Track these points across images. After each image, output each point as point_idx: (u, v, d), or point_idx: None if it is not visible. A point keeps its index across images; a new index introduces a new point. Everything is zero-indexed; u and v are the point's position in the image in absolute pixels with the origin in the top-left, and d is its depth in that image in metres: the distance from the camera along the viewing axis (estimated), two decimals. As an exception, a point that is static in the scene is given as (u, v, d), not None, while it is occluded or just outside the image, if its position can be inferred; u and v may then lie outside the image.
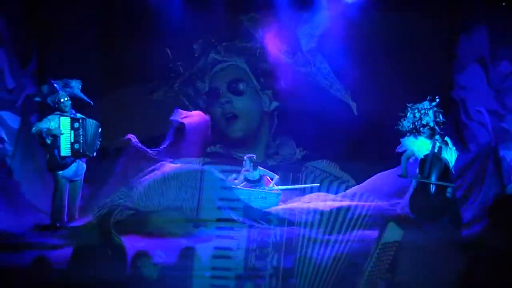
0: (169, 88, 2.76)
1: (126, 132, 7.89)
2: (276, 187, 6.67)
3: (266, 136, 2.52)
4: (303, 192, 7.04)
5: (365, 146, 8.09)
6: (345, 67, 7.56)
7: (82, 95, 7.12)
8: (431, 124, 6.52)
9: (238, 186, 6.69)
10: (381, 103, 8.00)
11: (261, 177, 6.75)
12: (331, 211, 5.54)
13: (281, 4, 7.20)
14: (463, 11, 8.26)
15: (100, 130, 7.09)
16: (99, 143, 7.12)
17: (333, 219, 5.22)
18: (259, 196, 6.37)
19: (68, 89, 7.02)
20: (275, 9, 7.28)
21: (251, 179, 6.60)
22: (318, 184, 7.12)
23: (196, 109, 2.69)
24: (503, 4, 7.68)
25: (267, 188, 6.87)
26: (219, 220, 2.04)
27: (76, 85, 7.10)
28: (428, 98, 6.61)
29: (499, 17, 7.75)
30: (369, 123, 8.14)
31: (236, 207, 2.04)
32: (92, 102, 7.22)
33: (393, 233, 2.34)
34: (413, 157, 6.62)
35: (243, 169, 6.71)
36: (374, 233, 4.24)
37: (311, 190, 7.02)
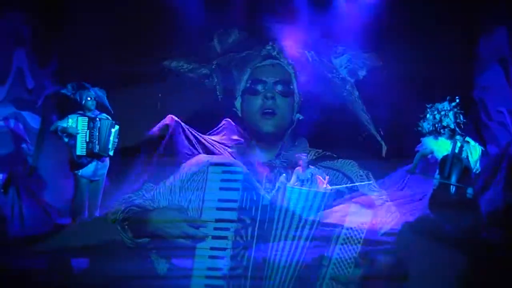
0: (194, 64, 2.73)
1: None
2: (329, 187, 6.56)
3: (286, 137, 2.54)
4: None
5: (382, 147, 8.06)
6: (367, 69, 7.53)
7: (107, 103, 7.16)
8: (452, 126, 6.47)
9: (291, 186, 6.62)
10: (401, 103, 7.96)
11: (312, 176, 6.66)
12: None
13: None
14: (483, 11, 8.20)
15: (116, 128, 7.10)
16: (116, 142, 7.14)
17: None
18: (311, 196, 6.27)
19: (97, 90, 7.08)
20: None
21: (303, 178, 6.51)
22: (371, 181, 6.96)
23: (221, 94, 2.70)
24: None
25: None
26: (218, 220, 2.06)
27: (103, 94, 7.15)
28: (447, 98, 6.57)
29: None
30: (388, 124, 8.09)
31: (233, 207, 2.06)
32: (112, 111, 7.23)
33: (356, 217, 2.31)
34: (430, 156, 6.57)
35: (296, 168, 6.63)
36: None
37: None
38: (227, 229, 2.26)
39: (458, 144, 6.33)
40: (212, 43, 2.82)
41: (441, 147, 6.44)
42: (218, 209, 2.28)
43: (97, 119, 6.98)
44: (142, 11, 8.35)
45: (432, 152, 6.51)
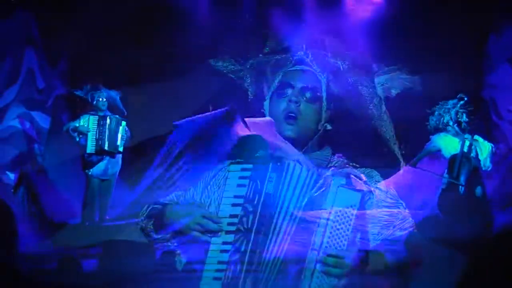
0: (237, 65, 2.74)
1: (156, 128, 7.94)
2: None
3: (310, 145, 2.54)
4: None
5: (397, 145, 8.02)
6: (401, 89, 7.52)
7: (120, 104, 7.19)
8: (450, 123, 6.49)
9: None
10: (412, 104, 7.92)
11: (347, 175, 6.66)
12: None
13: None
14: (493, 10, 8.16)
15: (123, 125, 7.13)
16: (125, 137, 7.16)
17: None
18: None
19: (110, 92, 7.11)
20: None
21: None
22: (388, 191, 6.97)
23: (252, 96, 2.68)
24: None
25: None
26: (232, 216, 2.08)
27: (116, 95, 7.18)
28: (457, 96, 6.57)
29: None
30: (400, 125, 8.04)
31: (239, 203, 2.10)
32: (125, 112, 7.26)
33: (345, 197, 2.29)
34: (438, 153, 6.56)
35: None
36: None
37: None
38: (239, 223, 2.28)
39: (467, 143, 6.33)
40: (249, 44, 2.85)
41: (448, 145, 6.44)
42: (234, 205, 2.30)
43: (107, 117, 7.02)
44: (154, 10, 8.38)
45: (439, 150, 6.50)
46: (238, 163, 2.46)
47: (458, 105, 6.55)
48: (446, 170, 6.37)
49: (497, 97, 8.05)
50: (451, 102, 6.58)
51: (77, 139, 6.94)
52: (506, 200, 6.86)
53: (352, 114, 2.88)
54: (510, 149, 7.48)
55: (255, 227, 2.33)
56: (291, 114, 2.55)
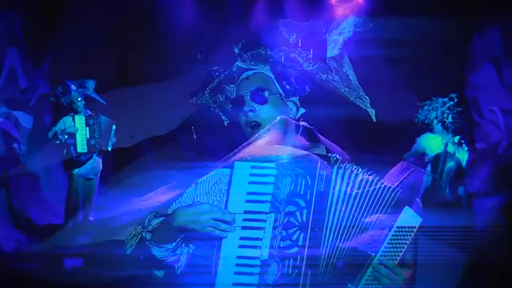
0: (203, 95, 2.71)
1: (140, 131, 7.94)
2: None
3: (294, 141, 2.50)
4: None
5: (387, 148, 8.06)
6: (363, 70, 7.55)
7: (95, 95, 7.16)
8: (435, 122, 6.55)
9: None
10: (396, 103, 7.97)
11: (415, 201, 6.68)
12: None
13: (309, 10, 7.18)
14: (476, 10, 8.21)
15: (114, 127, 7.16)
16: (115, 140, 7.17)
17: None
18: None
19: (82, 89, 7.07)
20: (303, 15, 7.25)
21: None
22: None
23: (228, 119, 2.65)
24: (516, 3, 7.64)
25: None
26: (246, 212, 2.06)
27: (90, 85, 7.14)
28: (449, 96, 6.63)
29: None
30: (388, 125, 8.07)
31: (266, 200, 2.05)
32: (104, 102, 7.25)
33: (408, 217, 2.33)
34: (424, 155, 6.60)
35: None
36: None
37: None
38: (260, 220, 2.27)
39: (450, 144, 6.37)
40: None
41: (432, 143, 6.48)
42: (248, 201, 2.29)
43: (95, 115, 7.02)
44: (139, 11, 8.36)
45: (424, 152, 6.55)
46: (244, 161, 2.46)
47: (446, 106, 6.60)
48: (429, 169, 6.41)
49: (479, 96, 8.10)
50: (441, 100, 6.63)
51: (63, 141, 6.89)
52: (487, 200, 6.92)
53: (321, 96, 2.87)
54: (491, 148, 7.53)
55: (310, 222, 2.34)
56: (253, 123, 2.53)
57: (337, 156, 2.50)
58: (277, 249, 2.23)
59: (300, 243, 2.24)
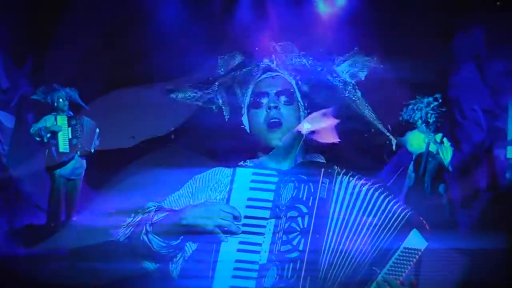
0: (199, 91, 2.68)
1: (126, 133, 7.95)
2: None
3: (298, 151, 2.47)
4: None
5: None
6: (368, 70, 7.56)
7: (79, 100, 7.14)
8: (419, 122, 6.58)
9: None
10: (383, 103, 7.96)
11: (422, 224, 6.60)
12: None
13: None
14: (459, 10, 8.26)
15: (98, 130, 7.16)
16: (98, 142, 7.16)
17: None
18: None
19: (68, 90, 7.05)
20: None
21: None
22: None
23: (228, 114, 2.62)
24: (498, 3, 7.69)
25: None
26: (246, 217, 2.05)
27: (74, 92, 7.12)
28: (433, 96, 6.66)
29: (495, 16, 7.76)
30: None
31: (266, 207, 2.04)
32: (87, 107, 7.23)
33: (415, 240, 2.33)
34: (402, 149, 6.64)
35: None
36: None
37: None
38: (260, 226, 2.27)
39: (432, 143, 6.40)
40: (215, 68, 2.77)
41: (413, 140, 6.51)
42: (248, 207, 2.28)
43: (77, 116, 7.01)
44: (122, 13, 8.35)
45: (405, 146, 6.59)
46: (245, 167, 2.45)
47: (431, 106, 6.63)
48: (412, 168, 6.45)
49: (461, 96, 8.15)
50: (426, 100, 6.66)
51: (46, 140, 6.85)
52: (468, 198, 6.97)
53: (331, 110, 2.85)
54: (473, 148, 7.58)
55: (311, 228, 2.33)
56: (274, 120, 2.51)
57: (335, 167, 2.50)
58: (277, 253, 2.23)
59: (300, 248, 2.24)
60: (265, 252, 2.26)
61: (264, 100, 2.53)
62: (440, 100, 6.65)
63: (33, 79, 8.14)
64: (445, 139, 6.63)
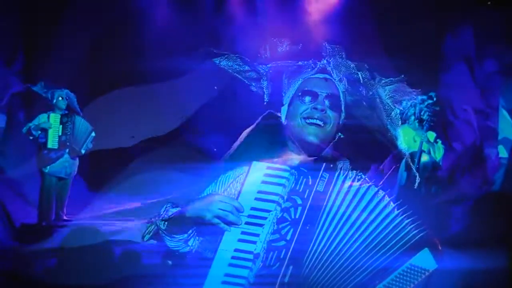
0: (251, 64, 2.62)
1: (115, 134, 7.94)
2: None
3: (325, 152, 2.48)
4: None
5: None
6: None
7: (76, 105, 7.11)
8: (412, 118, 6.60)
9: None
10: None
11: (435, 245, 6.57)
12: None
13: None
14: (449, 10, 8.29)
15: (93, 134, 7.12)
16: (91, 145, 7.13)
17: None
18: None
19: (69, 92, 7.03)
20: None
21: None
22: None
23: (268, 98, 2.57)
24: (488, 3, 7.73)
25: None
26: (253, 208, 2.08)
27: (73, 97, 7.09)
28: (428, 94, 6.68)
29: (485, 16, 7.80)
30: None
31: (273, 200, 2.06)
32: (81, 113, 7.20)
33: (425, 259, 2.29)
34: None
35: None
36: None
37: None
38: (263, 218, 2.29)
39: (424, 142, 6.42)
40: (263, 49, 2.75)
41: (404, 136, 6.53)
42: (257, 199, 2.31)
43: (72, 114, 6.97)
44: (116, 12, 8.33)
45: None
46: (262, 162, 2.46)
47: (425, 104, 6.66)
48: (403, 167, 6.46)
49: (452, 96, 8.19)
50: (420, 97, 6.68)
51: (36, 136, 6.83)
52: (460, 196, 6.99)
53: (369, 126, 2.85)
54: (465, 147, 7.62)
55: (303, 219, 2.33)
56: (318, 122, 2.53)
57: (343, 163, 2.51)
58: (267, 242, 2.25)
59: (288, 237, 2.25)
60: (261, 242, 2.28)
61: (312, 99, 2.54)
62: (434, 99, 6.67)
63: (24, 78, 8.10)
64: (435, 137, 6.66)
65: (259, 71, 2.82)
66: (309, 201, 2.31)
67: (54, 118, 6.88)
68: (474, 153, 7.34)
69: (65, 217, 6.99)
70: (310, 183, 2.35)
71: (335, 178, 2.35)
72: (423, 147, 6.43)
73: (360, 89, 2.74)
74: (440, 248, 2.34)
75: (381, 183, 2.46)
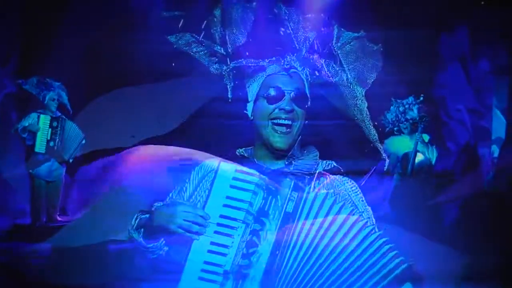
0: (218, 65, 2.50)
1: (115, 133, 7.90)
2: None
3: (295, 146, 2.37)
4: None
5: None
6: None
7: (67, 102, 7.06)
8: (416, 119, 6.56)
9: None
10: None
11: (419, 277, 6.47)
12: None
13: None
14: (444, 10, 8.26)
15: (83, 142, 7.05)
16: (78, 151, 7.07)
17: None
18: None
19: (59, 90, 6.99)
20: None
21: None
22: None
23: (232, 95, 2.48)
24: (482, 3, 7.71)
25: None
26: (222, 216, 2.02)
27: (63, 92, 7.05)
28: (413, 96, 6.65)
29: (479, 16, 7.78)
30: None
31: (242, 207, 2.00)
32: (71, 111, 7.15)
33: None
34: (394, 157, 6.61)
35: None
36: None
37: None
38: (233, 227, 2.23)
39: (419, 143, 6.41)
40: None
41: (400, 145, 6.51)
42: (225, 206, 2.25)
43: (63, 119, 6.92)
44: (112, 12, 8.28)
45: (393, 153, 6.56)
46: (230, 163, 2.41)
47: (414, 104, 6.63)
48: (398, 168, 6.44)
49: (446, 96, 8.16)
50: (411, 98, 6.67)
51: (24, 136, 6.79)
52: (454, 196, 6.97)
53: (336, 109, 2.79)
54: (459, 148, 7.61)
55: (271, 246, 2.27)
56: (286, 122, 2.46)
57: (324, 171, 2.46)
58: (236, 266, 2.19)
59: (257, 265, 2.19)
60: (230, 258, 2.22)
61: (278, 97, 2.46)
62: (421, 98, 6.66)
63: (18, 78, 8.06)
64: (429, 138, 6.65)
65: (222, 67, 2.74)
66: (278, 224, 2.25)
67: (43, 120, 6.84)
68: (468, 153, 7.32)
69: (58, 218, 6.96)
70: (279, 204, 2.28)
71: (303, 199, 2.27)
72: (418, 147, 6.42)
73: (325, 72, 2.67)
74: (423, 282, 2.29)
75: (362, 183, 2.42)
